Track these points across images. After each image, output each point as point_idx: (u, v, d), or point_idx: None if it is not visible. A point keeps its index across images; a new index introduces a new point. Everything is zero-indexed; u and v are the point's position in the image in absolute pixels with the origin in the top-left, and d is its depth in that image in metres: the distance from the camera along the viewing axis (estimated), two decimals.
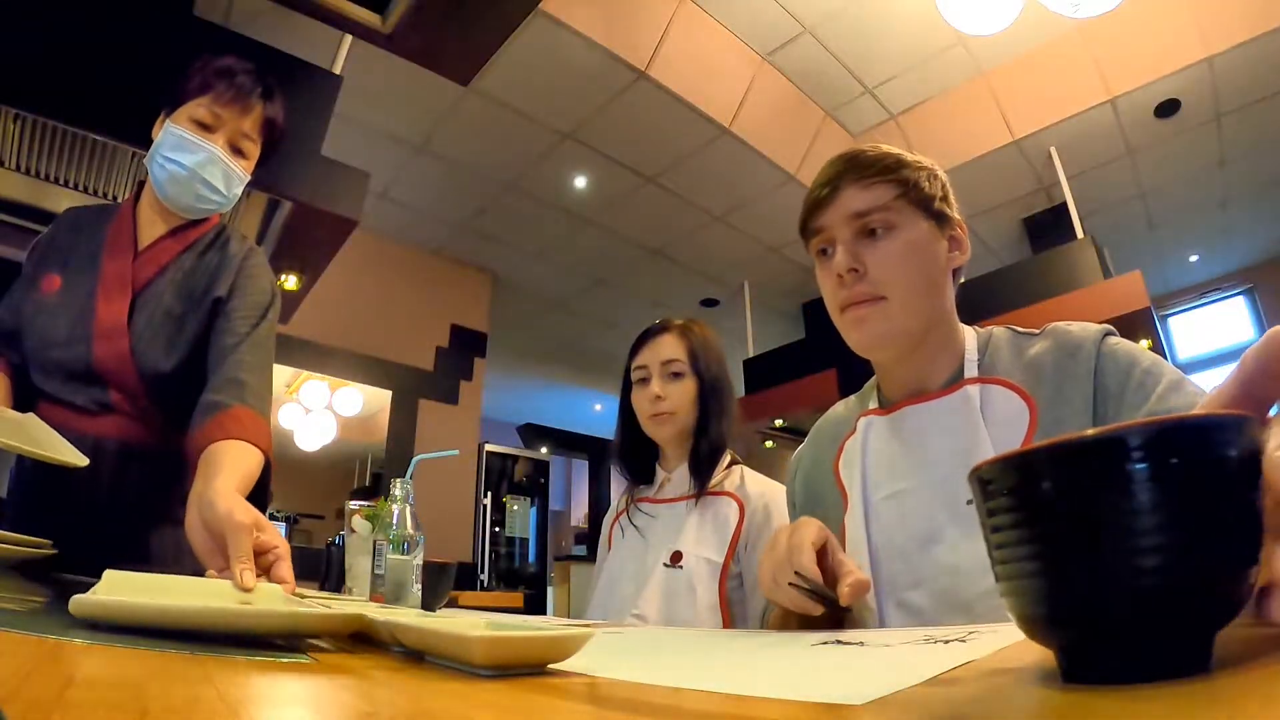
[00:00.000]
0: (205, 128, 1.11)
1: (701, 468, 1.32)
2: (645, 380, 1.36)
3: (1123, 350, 0.78)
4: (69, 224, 1.21)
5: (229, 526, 0.73)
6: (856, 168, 0.84)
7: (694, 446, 1.33)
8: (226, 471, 0.88)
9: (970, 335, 0.88)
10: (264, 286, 1.18)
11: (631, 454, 1.43)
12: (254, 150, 1.18)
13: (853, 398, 1.02)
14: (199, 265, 1.17)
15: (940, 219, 0.85)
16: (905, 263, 0.82)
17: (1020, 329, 0.88)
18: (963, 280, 0.90)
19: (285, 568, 0.75)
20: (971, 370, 0.84)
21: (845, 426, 0.96)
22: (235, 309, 1.14)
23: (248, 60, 1.17)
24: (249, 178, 1.17)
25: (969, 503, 0.73)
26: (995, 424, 0.78)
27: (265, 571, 0.74)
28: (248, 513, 0.76)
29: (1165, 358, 0.79)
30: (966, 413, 0.80)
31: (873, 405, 0.92)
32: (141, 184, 1.21)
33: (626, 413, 1.41)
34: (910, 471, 0.83)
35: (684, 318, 1.42)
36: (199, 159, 1.10)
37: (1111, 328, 0.82)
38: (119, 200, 2.50)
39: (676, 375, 1.34)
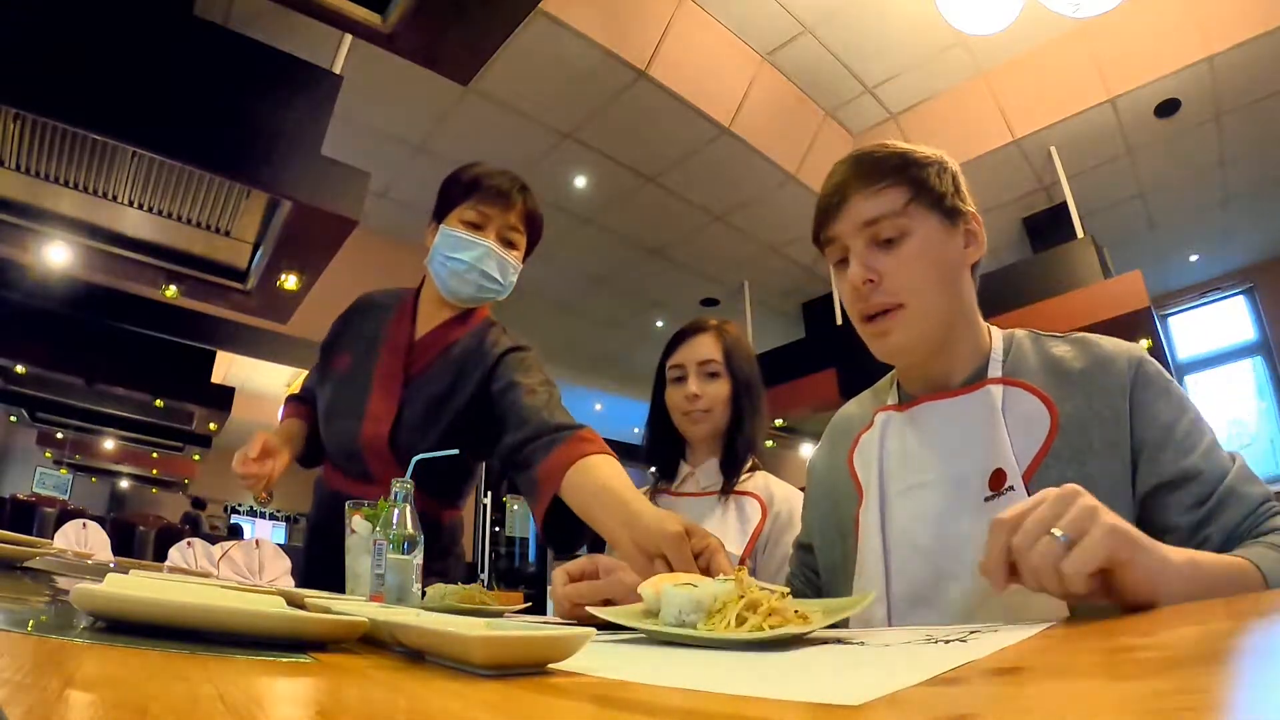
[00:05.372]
0: (475, 227, 1.26)
1: (734, 465, 1.34)
2: (681, 379, 1.38)
3: (1158, 389, 0.76)
4: (363, 308, 1.40)
5: (665, 541, 0.80)
6: (863, 173, 0.83)
7: (728, 444, 1.35)
8: (626, 491, 0.95)
9: (997, 334, 0.89)
10: (541, 372, 1.30)
11: (660, 448, 1.44)
12: (521, 240, 1.33)
13: (866, 394, 1.01)
14: (477, 347, 1.29)
15: (953, 215, 0.85)
16: (921, 268, 0.82)
17: (1041, 332, 0.88)
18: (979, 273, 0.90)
19: (721, 559, 0.80)
20: (995, 370, 0.83)
21: (860, 422, 0.95)
22: (529, 383, 1.23)
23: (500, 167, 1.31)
24: (521, 266, 1.32)
25: (987, 499, 0.75)
26: (1015, 425, 0.78)
27: (705, 570, 0.78)
28: (677, 522, 0.82)
29: (1165, 357, 0.78)
30: (988, 411, 0.80)
31: (891, 401, 0.92)
32: (423, 279, 1.36)
33: (659, 408, 1.42)
34: (928, 465, 0.82)
35: (718, 319, 1.45)
36: (476, 254, 1.25)
37: (1143, 351, 0.81)
38: (115, 198, 2.51)
39: (713, 375, 1.36)
